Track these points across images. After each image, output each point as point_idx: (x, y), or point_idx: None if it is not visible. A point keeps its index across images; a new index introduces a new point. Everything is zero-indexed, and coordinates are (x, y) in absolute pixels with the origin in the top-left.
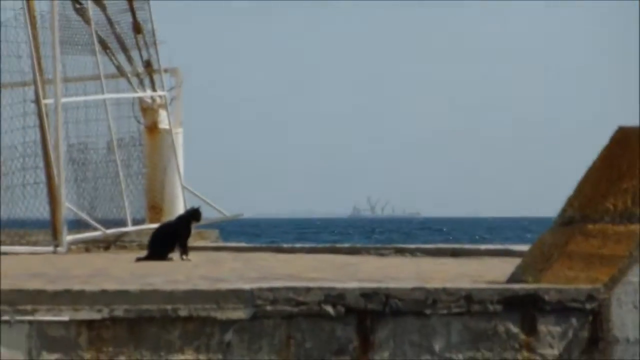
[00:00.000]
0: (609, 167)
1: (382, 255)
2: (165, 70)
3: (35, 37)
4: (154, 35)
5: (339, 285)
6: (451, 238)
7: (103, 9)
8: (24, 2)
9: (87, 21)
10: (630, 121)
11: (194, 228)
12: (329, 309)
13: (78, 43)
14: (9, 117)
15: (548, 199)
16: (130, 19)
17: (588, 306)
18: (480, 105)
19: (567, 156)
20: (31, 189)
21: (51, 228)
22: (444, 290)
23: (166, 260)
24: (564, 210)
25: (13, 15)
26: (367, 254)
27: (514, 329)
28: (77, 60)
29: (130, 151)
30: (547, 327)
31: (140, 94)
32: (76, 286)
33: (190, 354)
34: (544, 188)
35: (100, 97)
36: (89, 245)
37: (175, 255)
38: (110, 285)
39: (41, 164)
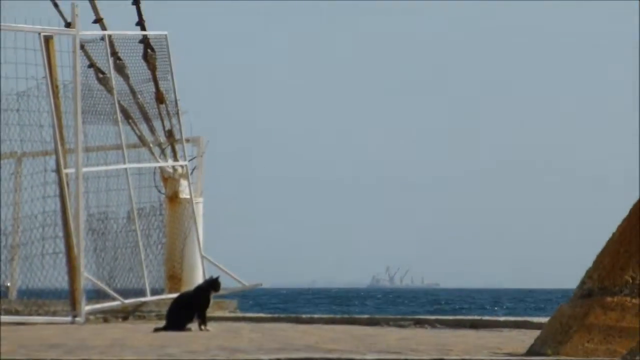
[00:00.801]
0: (628, 240)
1: (401, 326)
2: (188, 140)
3: (57, 107)
4: (176, 105)
5: (357, 357)
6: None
7: (126, 78)
8: (47, 71)
9: (109, 91)
10: None
11: (212, 298)
12: None
13: (100, 112)
14: (30, 186)
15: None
16: (153, 89)
17: None
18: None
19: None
20: (50, 258)
21: (69, 298)
22: None
23: (184, 330)
24: (583, 283)
25: (35, 84)
26: (387, 325)
27: None
28: (99, 130)
29: (151, 221)
30: None
31: (161, 163)
32: (94, 357)
33: None
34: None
35: (121, 166)
36: (107, 316)
37: (194, 325)
38: (128, 357)
39: (61, 234)
